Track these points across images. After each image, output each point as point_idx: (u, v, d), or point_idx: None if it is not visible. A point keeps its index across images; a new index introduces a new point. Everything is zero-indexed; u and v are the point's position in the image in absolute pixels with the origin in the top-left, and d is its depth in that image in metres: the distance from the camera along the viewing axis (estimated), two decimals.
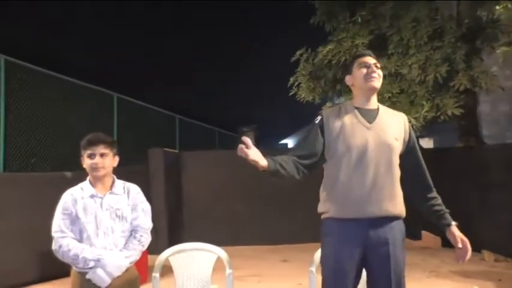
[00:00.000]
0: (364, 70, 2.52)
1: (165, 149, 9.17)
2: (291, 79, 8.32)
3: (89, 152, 2.65)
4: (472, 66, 6.84)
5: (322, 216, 2.53)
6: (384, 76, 7.39)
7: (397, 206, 2.43)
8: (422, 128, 7.17)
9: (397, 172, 2.47)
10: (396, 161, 2.46)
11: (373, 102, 2.57)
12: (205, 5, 8.93)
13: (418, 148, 2.60)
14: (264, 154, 2.29)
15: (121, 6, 8.54)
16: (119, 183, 2.75)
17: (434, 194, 2.61)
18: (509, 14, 6.70)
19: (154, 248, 7.51)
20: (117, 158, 2.76)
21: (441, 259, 7.21)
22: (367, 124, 2.46)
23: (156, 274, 3.46)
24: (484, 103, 9.17)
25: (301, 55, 8.29)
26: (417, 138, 8.80)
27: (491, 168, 6.82)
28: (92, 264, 2.53)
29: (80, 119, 8.28)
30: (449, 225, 2.58)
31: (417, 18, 7.26)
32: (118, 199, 2.69)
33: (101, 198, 2.64)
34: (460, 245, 2.51)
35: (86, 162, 2.66)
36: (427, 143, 9.03)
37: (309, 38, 8.40)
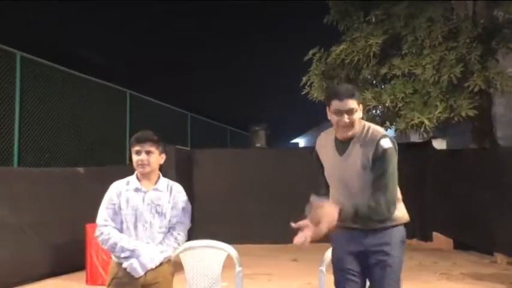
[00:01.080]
0: (335, 118, 2.57)
1: (177, 146, 9.21)
2: (304, 78, 8.30)
3: (136, 148, 2.79)
4: (487, 67, 6.75)
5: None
6: (398, 76, 7.41)
7: (382, 221, 2.54)
8: (436, 129, 7.10)
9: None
10: (369, 184, 2.54)
11: (352, 134, 2.61)
12: (218, 3, 8.92)
13: (384, 162, 2.50)
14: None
15: (134, 3, 8.56)
16: (164, 181, 2.87)
17: (371, 201, 2.49)
18: None
19: None
20: (163, 156, 2.88)
21: (453, 261, 7.14)
22: (338, 157, 2.64)
23: None
24: (499, 104, 9.06)
25: (314, 54, 8.26)
26: (430, 139, 8.76)
27: (505, 170, 6.73)
28: (128, 253, 2.67)
29: (93, 115, 8.36)
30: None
31: (432, 18, 7.19)
32: (160, 195, 2.81)
33: (144, 192, 2.78)
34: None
35: (133, 159, 2.80)
36: (440, 144, 8.95)
37: (322, 37, 8.36)
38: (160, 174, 2.90)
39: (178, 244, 2.85)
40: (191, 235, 3.09)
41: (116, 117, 9.11)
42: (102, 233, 2.71)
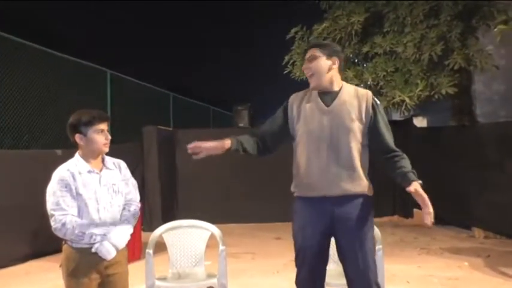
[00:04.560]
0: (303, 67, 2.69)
1: (159, 126, 9.14)
2: (286, 57, 8.26)
3: (100, 127, 2.64)
4: (467, 45, 6.80)
5: (294, 195, 2.71)
6: (379, 54, 7.41)
7: (358, 185, 2.55)
8: (416, 107, 7.17)
9: (357, 152, 2.55)
10: (356, 141, 2.54)
11: (336, 85, 2.63)
12: None
13: (382, 123, 2.62)
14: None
15: None
16: (109, 159, 2.77)
17: (398, 153, 2.61)
18: None
19: (148, 225, 7.59)
20: None
21: (432, 237, 7.31)
22: (324, 108, 2.58)
23: (149, 250, 3.49)
24: (479, 82, 9.16)
25: (296, 33, 8.20)
26: (411, 117, 8.85)
27: (484, 146, 6.86)
28: (98, 238, 2.57)
29: (74, 95, 8.21)
30: (410, 181, 2.51)
31: None
32: (113, 174, 2.73)
33: (98, 174, 2.66)
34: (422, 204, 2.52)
35: (96, 138, 2.63)
36: (420, 122, 9.06)
37: (305, 15, 8.30)
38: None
39: (136, 219, 2.81)
40: (174, 215, 3.10)
41: (96, 98, 8.97)
42: (64, 224, 2.49)
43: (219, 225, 3.69)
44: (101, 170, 2.68)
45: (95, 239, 2.56)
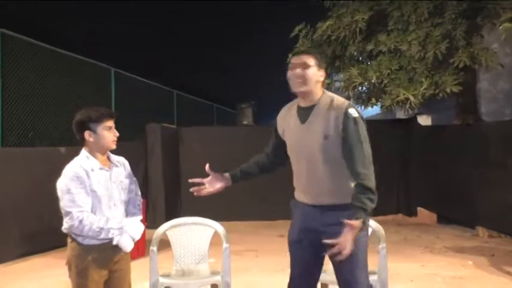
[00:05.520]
0: (290, 73, 2.58)
1: (163, 124, 9.15)
2: (290, 55, 8.23)
3: (109, 124, 2.67)
4: (472, 43, 6.78)
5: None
6: (383, 52, 7.40)
7: (337, 197, 2.51)
8: (421, 105, 7.15)
9: (335, 165, 2.50)
10: (331, 155, 2.49)
11: (316, 97, 2.58)
12: None
13: (353, 138, 2.45)
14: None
15: None
16: (113, 157, 2.80)
17: (357, 180, 2.42)
18: None
19: (152, 222, 7.60)
20: None
21: (436, 235, 7.29)
22: (300, 125, 2.59)
23: (153, 247, 3.50)
24: (483, 80, 9.11)
25: (300, 31, 8.20)
26: (415, 115, 8.82)
27: (489, 145, 6.83)
28: (117, 232, 2.60)
29: (78, 93, 8.23)
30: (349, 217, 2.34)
31: None
32: (120, 171, 2.77)
33: (108, 171, 2.68)
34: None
35: (105, 135, 2.65)
36: (425, 121, 9.00)
37: (309, 13, 8.29)
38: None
39: (141, 214, 2.88)
40: (178, 212, 3.11)
41: (100, 96, 8.99)
42: (81, 221, 2.49)
43: (222, 222, 3.70)
44: (109, 167, 2.71)
45: (113, 234, 2.59)
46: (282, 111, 2.79)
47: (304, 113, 2.58)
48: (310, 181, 2.59)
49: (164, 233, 3.60)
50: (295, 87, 2.57)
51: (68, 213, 2.51)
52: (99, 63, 8.86)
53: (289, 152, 2.71)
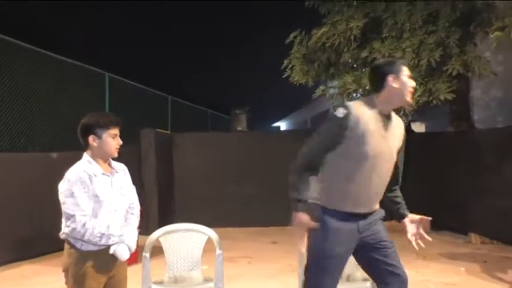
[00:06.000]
0: (407, 82, 2.53)
1: (157, 129, 9.13)
2: (285, 61, 8.27)
3: (114, 132, 2.68)
4: (465, 51, 6.82)
5: (323, 205, 2.58)
6: (378, 60, 7.39)
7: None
8: (415, 112, 7.18)
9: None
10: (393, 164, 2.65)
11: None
12: None
13: (403, 149, 2.71)
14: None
15: None
16: (114, 163, 2.80)
17: (398, 187, 2.88)
18: None
19: (145, 228, 7.56)
20: None
21: (429, 242, 7.29)
22: (383, 133, 2.51)
23: (146, 254, 3.48)
24: (476, 88, 9.17)
25: (295, 37, 8.21)
26: (409, 122, 8.85)
27: (481, 152, 6.87)
28: (116, 239, 2.59)
29: (71, 98, 8.20)
30: (405, 215, 3.00)
31: (412, 1, 7.20)
32: (120, 178, 2.77)
33: (109, 176, 2.68)
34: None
35: (109, 142, 2.66)
36: (418, 128, 9.06)
37: (304, 20, 8.32)
38: None
39: (138, 221, 2.88)
40: (171, 219, 3.10)
41: (94, 100, 8.96)
42: (84, 224, 2.48)
43: (216, 229, 3.68)
44: (111, 173, 2.71)
45: (113, 240, 2.58)
46: (357, 109, 2.46)
47: (386, 122, 2.54)
48: (378, 189, 2.64)
49: (157, 240, 3.58)
50: (407, 95, 2.53)
51: (71, 216, 2.50)
52: (93, 68, 8.83)
53: (357, 157, 2.46)
